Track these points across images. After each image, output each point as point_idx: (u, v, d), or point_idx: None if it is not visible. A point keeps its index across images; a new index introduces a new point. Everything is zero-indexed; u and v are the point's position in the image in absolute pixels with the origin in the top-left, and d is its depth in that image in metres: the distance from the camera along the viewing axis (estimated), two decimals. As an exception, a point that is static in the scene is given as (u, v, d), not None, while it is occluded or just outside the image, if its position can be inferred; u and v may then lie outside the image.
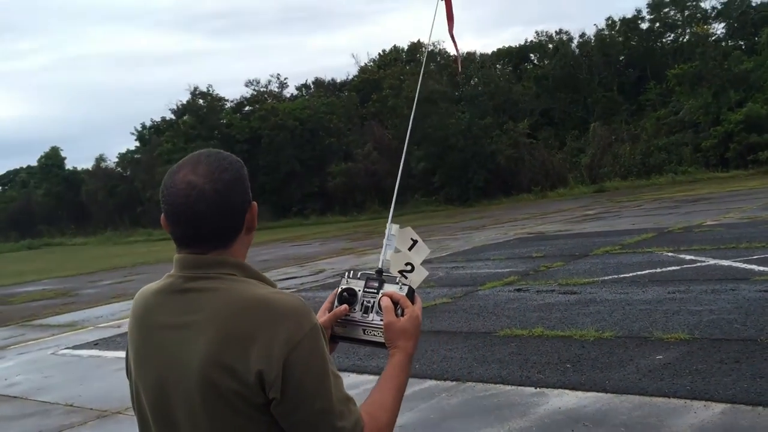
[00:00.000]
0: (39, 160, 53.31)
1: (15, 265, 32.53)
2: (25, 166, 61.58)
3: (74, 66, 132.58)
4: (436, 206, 38.50)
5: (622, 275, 9.65)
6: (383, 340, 1.65)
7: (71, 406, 6.79)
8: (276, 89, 50.09)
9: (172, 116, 47.63)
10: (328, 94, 48.41)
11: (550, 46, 45.58)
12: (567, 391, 5.22)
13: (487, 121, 38.64)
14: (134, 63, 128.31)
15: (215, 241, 1.46)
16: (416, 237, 1.84)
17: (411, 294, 1.68)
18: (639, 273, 9.64)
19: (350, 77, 50.52)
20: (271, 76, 50.54)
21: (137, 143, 50.61)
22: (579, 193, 34.64)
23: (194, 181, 1.43)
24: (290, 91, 51.57)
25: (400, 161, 2.40)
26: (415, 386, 5.88)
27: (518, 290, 9.54)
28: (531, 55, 48.32)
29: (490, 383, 5.64)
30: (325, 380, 1.40)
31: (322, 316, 1.66)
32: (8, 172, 64.82)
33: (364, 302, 1.67)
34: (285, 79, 51.16)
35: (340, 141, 43.19)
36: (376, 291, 1.68)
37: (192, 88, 46.51)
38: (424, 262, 1.84)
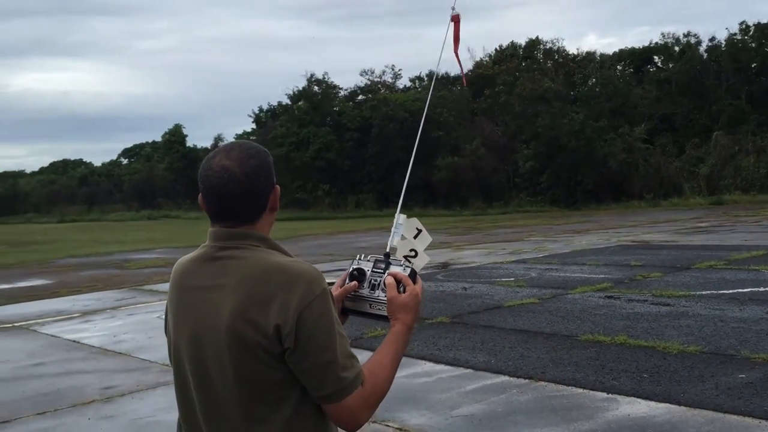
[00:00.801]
0: (163, 136, 56.37)
1: (135, 233, 34.58)
2: (150, 141, 65.48)
3: (201, 48, 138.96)
4: (541, 207, 37.91)
5: (720, 291, 9.31)
6: (386, 314, 1.84)
7: (168, 365, 7.29)
8: (390, 80, 50.67)
9: (288, 101, 49.07)
10: (440, 87, 48.45)
11: (676, 48, 43.72)
12: (639, 399, 5.17)
13: (601, 123, 37.61)
14: (257, 47, 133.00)
15: (243, 217, 1.70)
16: (421, 227, 2.03)
17: (413, 275, 1.88)
18: (739, 290, 9.27)
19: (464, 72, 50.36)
20: (386, 66, 51.27)
21: (254, 125, 52.52)
22: (694, 203, 33.20)
23: (227, 165, 1.67)
24: (404, 82, 52.03)
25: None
26: (487, 380, 5.99)
27: (609, 297, 9.38)
28: (655, 57, 46.51)
29: (562, 384, 5.66)
30: (332, 336, 1.61)
31: (335, 291, 1.88)
32: (135, 146, 69.10)
33: (372, 280, 1.89)
34: (399, 70, 51.79)
35: (449, 135, 43.18)
36: (382, 271, 1.88)
37: (308, 75, 47.74)
38: (427, 250, 2.02)
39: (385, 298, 1.84)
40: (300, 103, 47.13)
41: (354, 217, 40.14)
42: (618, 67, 45.64)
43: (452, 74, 51.60)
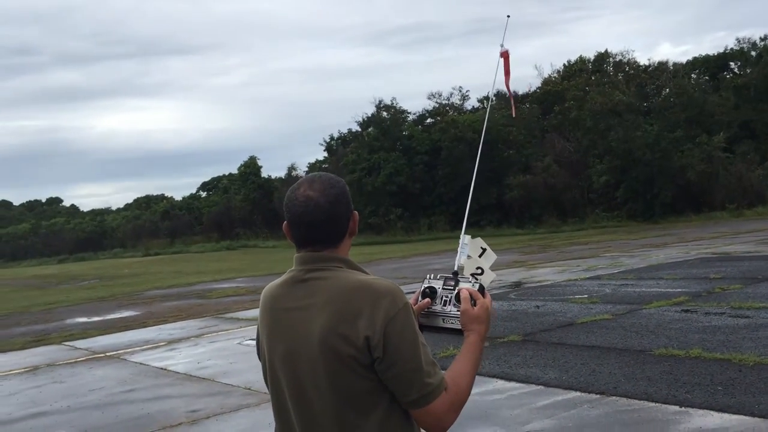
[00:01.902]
0: (239, 168, 58.01)
1: (215, 264, 35.68)
2: (227, 173, 67.47)
3: (273, 81, 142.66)
4: (618, 222, 37.11)
5: (804, 301, 9.02)
6: (459, 327, 2.00)
7: (249, 389, 7.63)
8: (458, 102, 50.81)
9: (358, 128, 49.82)
10: (508, 106, 48.31)
11: (753, 53, 42.32)
12: (712, 412, 5.14)
13: (677, 134, 36.65)
14: (326, 77, 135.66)
15: (327, 241, 1.89)
16: (485, 246, 2.19)
17: (482, 290, 2.04)
18: (824, 300, 8.96)
19: (532, 89, 50.03)
20: (453, 88, 51.30)
21: (325, 153, 53.49)
22: (780, 212, 31.89)
23: (311, 195, 1.86)
24: (472, 103, 52.04)
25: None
26: (558, 396, 6.03)
27: (685, 311, 9.22)
28: (731, 63, 45.13)
29: (634, 399, 5.66)
30: (416, 345, 1.78)
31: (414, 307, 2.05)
32: (213, 179, 71.36)
33: (443, 297, 2.06)
34: (467, 91, 51.76)
35: (519, 153, 42.93)
36: (452, 288, 2.06)
37: (377, 102, 48.34)
38: (493, 267, 2.17)
39: (458, 313, 2.00)
40: (369, 130, 47.79)
41: (427, 239, 40.23)
42: (692, 75, 44.47)
43: (520, 92, 51.44)
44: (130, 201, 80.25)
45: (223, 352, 10.10)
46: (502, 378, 6.81)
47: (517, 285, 14.37)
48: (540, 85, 49.51)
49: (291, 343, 1.85)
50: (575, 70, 48.94)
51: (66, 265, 52.60)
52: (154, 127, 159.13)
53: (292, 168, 54.44)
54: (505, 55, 2.67)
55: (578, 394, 6.00)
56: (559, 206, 40.74)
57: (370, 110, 49.36)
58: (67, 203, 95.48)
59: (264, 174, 57.24)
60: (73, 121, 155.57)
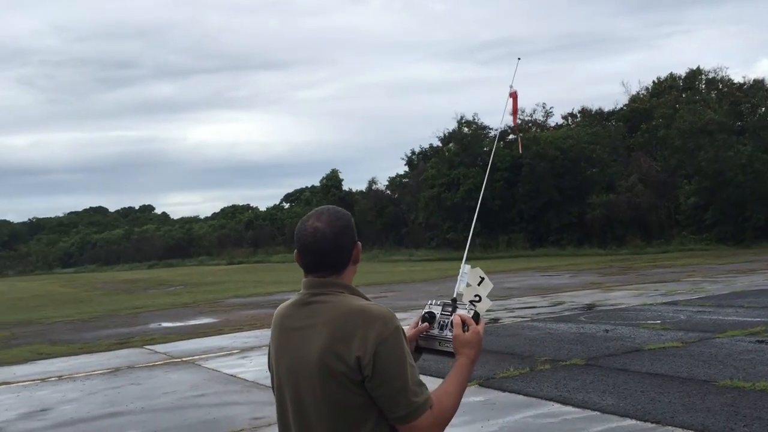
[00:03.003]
0: (321, 181, 59.21)
1: (294, 274, 36.29)
2: (309, 185, 68.92)
3: (358, 95, 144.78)
4: (705, 245, 35.74)
5: None
6: (452, 350, 2.16)
7: (310, 399, 7.85)
8: (541, 118, 50.25)
9: (439, 143, 49.97)
10: (593, 123, 47.43)
11: None
12: (770, 449, 4.99)
13: (773, 155, 35.08)
14: (410, 92, 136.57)
15: (332, 268, 2.07)
16: (483, 275, 2.32)
17: (476, 317, 2.19)
18: None
19: (618, 106, 48.95)
20: (536, 104, 50.74)
21: (406, 168, 53.88)
22: None
23: (319, 226, 2.06)
24: (556, 119, 51.38)
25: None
26: (612, 423, 5.98)
27: (759, 342, 8.91)
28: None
29: (689, 430, 5.56)
30: (403, 366, 1.94)
31: (409, 331, 2.22)
32: (295, 191, 73.03)
33: (441, 322, 2.22)
34: (551, 108, 51.06)
35: (603, 171, 42.01)
36: (449, 314, 2.21)
37: (458, 117, 48.39)
38: (490, 295, 2.29)
39: (452, 337, 2.15)
40: (450, 145, 47.85)
41: (505, 257, 39.87)
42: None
43: (606, 109, 50.46)
44: (218, 210, 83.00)
45: (291, 363, 10.39)
46: (558, 402, 6.79)
47: (590, 307, 14.14)
48: (627, 102, 48.39)
49: (294, 359, 2.04)
50: (665, 87, 47.61)
51: (155, 271, 54.82)
52: (243, 139, 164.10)
53: (372, 182, 55.13)
54: (514, 95, 2.80)
55: (633, 422, 5.93)
56: (643, 227, 39.59)
57: (452, 125, 49.42)
58: (158, 211, 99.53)
59: (345, 187, 58.19)
60: (167, 132, 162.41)
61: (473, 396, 7.43)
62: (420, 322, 2.24)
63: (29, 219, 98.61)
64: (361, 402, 1.95)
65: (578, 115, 51.44)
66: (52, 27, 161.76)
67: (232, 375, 9.79)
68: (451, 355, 2.17)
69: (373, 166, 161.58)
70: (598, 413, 6.31)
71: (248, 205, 79.43)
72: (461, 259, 2.47)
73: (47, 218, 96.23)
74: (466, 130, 48.19)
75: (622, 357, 8.68)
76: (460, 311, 2.20)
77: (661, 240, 38.25)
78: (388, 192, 53.98)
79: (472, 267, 2.37)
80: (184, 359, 11.51)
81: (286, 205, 71.50)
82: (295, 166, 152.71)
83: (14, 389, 10.01)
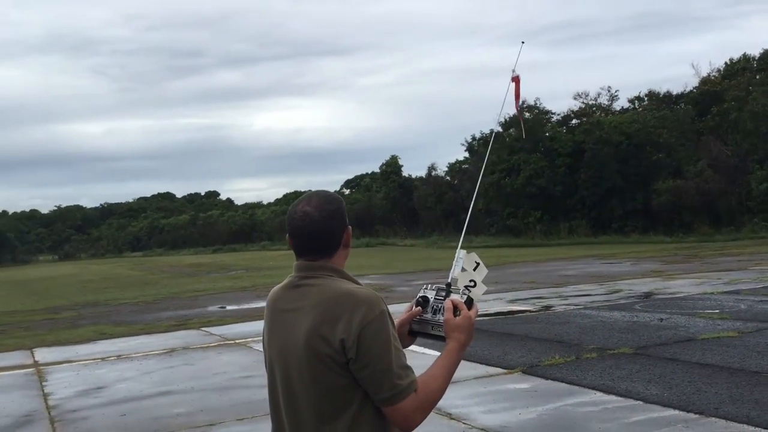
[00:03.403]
0: (381, 167, 59.22)
1: (353, 260, 36.14)
2: (369, 171, 69.17)
3: (422, 80, 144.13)
4: (780, 232, 34.35)
5: None
6: (443, 334, 2.15)
7: (353, 383, 7.93)
8: (605, 102, 49.05)
9: (500, 129, 49.33)
10: (661, 107, 46.03)
11: None
12: (817, 443, 4.79)
13: None
14: (474, 76, 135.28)
15: (321, 252, 2.10)
16: (479, 261, 2.28)
17: (469, 302, 2.18)
18: None
19: (688, 89, 47.36)
20: (601, 88, 49.56)
21: (466, 154, 53.44)
22: None
23: (308, 210, 2.08)
24: (621, 103, 50.04)
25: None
26: (654, 413, 5.85)
27: (821, 333, 8.53)
28: None
29: (734, 422, 5.38)
30: (388, 349, 1.95)
31: (404, 315, 2.24)
32: (356, 177, 73.43)
33: (434, 306, 2.21)
34: (616, 91, 49.79)
35: (670, 156, 40.77)
36: (443, 299, 2.20)
37: (520, 102, 47.78)
38: (485, 280, 2.24)
39: (443, 321, 2.15)
40: (511, 130, 47.21)
41: (566, 244, 39.20)
42: None
43: (674, 92, 48.90)
44: (280, 196, 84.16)
45: (339, 346, 10.50)
46: (601, 390, 6.67)
47: (647, 296, 13.79)
48: (697, 85, 46.78)
49: (284, 340, 2.07)
50: (737, 69, 45.80)
51: (219, 255, 56.10)
52: (307, 125, 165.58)
53: (432, 168, 54.87)
54: (516, 80, 2.76)
55: (676, 412, 5.78)
56: (712, 214, 38.30)
57: (513, 110, 48.72)
58: (223, 197, 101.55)
59: (405, 173, 58.12)
60: (233, 119, 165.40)
61: (514, 383, 7.37)
62: (414, 306, 2.24)
63: (101, 204, 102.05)
64: (346, 384, 1.97)
65: (645, 99, 50.00)
66: (123, 17, 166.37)
67: (280, 357, 9.96)
68: (442, 339, 2.16)
69: (434, 152, 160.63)
70: (641, 403, 6.17)
71: (310, 190, 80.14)
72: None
73: (118, 203, 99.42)
74: (527, 115, 47.45)
75: (673, 346, 8.45)
76: (453, 296, 2.19)
77: (731, 227, 36.93)
78: (448, 178, 53.69)
79: (468, 252, 2.34)
80: (237, 341, 11.76)
81: (347, 191, 72.02)
82: (358, 152, 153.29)
83: (75, 368, 10.43)
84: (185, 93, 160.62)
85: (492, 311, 13.17)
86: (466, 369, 8.25)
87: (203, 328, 13.70)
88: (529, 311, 12.92)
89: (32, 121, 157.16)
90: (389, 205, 56.07)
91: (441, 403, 6.44)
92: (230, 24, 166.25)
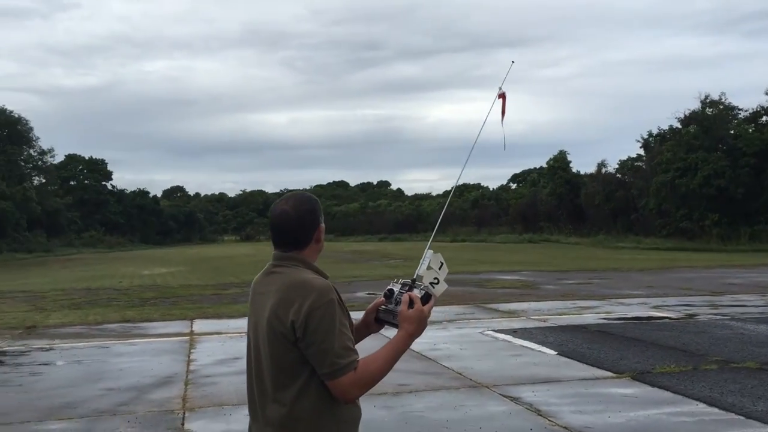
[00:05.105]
0: (548, 162, 58.06)
1: (511, 255, 36.47)
2: (537, 166, 67.99)
3: (603, 73, 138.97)
4: None
5: None
6: (398, 323, 2.44)
7: (460, 374, 8.17)
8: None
9: (678, 125, 46.62)
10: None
11: None
12: None
13: None
14: (662, 68, 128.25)
15: (294, 245, 2.45)
16: (443, 261, 2.55)
17: (426, 297, 2.45)
18: None
19: None
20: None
21: (640, 150, 51.03)
22: None
23: (285, 209, 2.45)
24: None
25: None
26: (749, 428, 5.59)
27: None
28: None
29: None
30: (331, 332, 2.26)
31: (373, 304, 2.57)
32: (523, 171, 72.43)
33: (397, 298, 2.49)
34: (814, 88, 45.22)
35: None
36: (405, 292, 2.46)
37: (702, 97, 44.81)
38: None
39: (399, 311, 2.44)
40: (690, 127, 44.44)
41: (747, 251, 36.37)
42: None
43: None
44: (449, 188, 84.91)
45: (461, 338, 10.74)
46: (705, 402, 6.42)
47: (809, 310, 12.70)
48: None
49: (256, 318, 2.45)
50: None
51: (383, 244, 57.82)
52: (479, 118, 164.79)
53: (602, 164, 52.96)
54: (503, 96, 2.97)
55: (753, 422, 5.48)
56: None
57: (694, 105, 45.80)
58: (394, 187, 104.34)
59: (574, 169, 56.56)
60: (408, 110, 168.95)
61: (618, 387, 7.26)
62: (381, 297, 2.54)
63: (281, 190, 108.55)
64: (295, 358, 2.30)
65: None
66: (310, 11, 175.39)
67: (402, 344, 10.35)
68: (397, 326, 2.43)
69: (606, 147, 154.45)
70: (742, 418, 5.89)
71: (479, 184, 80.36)
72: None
73: (296, 190, 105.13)
74: (709, 111, 44.45)
75: (807, 365, 7.85)
76: (414, 291, 2.45)
77: None
78: (618, 175, 51.54)
79: (434, 252, 2.57)
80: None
81: (513, 186, 71.27)
82: (529, 146, 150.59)
83: (222, 339, 11.49)
84: (364, 85, 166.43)
85: (629, 316, 12.77)
86: (572, 369, 8.21)
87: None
88: (669, 318, 12.37)
89: (226, 111, 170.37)
90: (555, 201, 54.87)
91: (533, 400, 6.59)
92: (409, 17, 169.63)
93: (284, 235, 2.43)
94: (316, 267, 2.44)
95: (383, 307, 2.52)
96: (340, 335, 2.26)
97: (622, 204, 48.49)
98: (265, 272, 2.49)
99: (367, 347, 2.51)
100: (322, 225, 2.49)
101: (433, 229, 3.05)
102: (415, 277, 2.53)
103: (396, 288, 2.51)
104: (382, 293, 2.53)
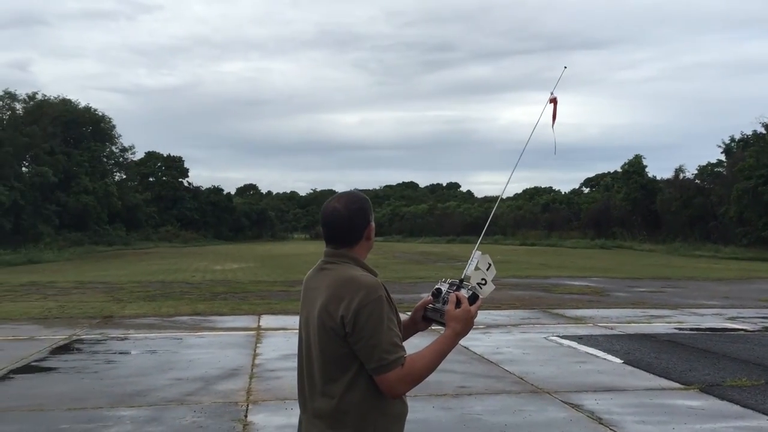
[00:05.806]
0: (622, 167, 56.64)
1: (581, 261, 35.78)
2: (611, 170, 66.43)
3: (683, 76, 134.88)
4: None
5: None
6: (445, 321, 2.49)
7: (521, 378, 8.11)
8: None
9: (762, 130, 44.80)
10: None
11: None
12: None
13: None
14: (745, 71, 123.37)
15: (345, 242, 2.51)
16: (491, 262, 2.56)
17: (473, 298, 2.49)
18: None
19: None
20: None
21: (721, 156, 49.27)
22: None
23: (337, 207, 2.51)
24: None
25: None
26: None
27: None
28: None
29: None
30: (380, 329, 2.32)
31: (419, 303, 2.62)
32: (597, 175, 70.85)
33: (445, 297, 2.53)
34: None
35: None
36: (452, 292, 2.51)
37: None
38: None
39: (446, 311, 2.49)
40: (774, 133, 42.63)
41: None
42: None
43: None
44: (520, 191, 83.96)
45: (525, 343, 10.64)
46: (772, 418, 6.19)
47: None
48: None
49: (307, 313, 2.53)
50: None
51: (451, 246, 57.65)
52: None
53: (680, 170, 51.34)
54: (554, 101, 2.98)
55: None
56: None
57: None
58: (464, 188, 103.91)
59: (650, 174, 55.04)
60: (480, 112, 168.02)
61: (685, 399, 7.07)
62: (429, 296, 2.58)
63: (350, 189, 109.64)
64: (345, 352, 2.37)
65: None
66: (384, 13, 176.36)
67: (464, 347, 10.29)
68: (444, 326, 2.48)
69: (683, 153, 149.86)
70: (814, 437, 5.65)
71: (550, 187, 79.12)
72: None
73: (365, 190, 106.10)
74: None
75: None
76: (462, 291, 2.50)
77: None
78: (697, 181, 49.87)
79: (483, 254, 2.60)
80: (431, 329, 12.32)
81: (586, 190, 69.85)
82: (603, 149, 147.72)
83: (287, 335, 11.70)
84: (436, 86, 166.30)
85: (703, 326, 12.38)
86: (638, 379, 8.03)
87: (407, 313, 14.46)
88: (745, 330, 11.94)
89: (299, 111, 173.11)
90: (629, 206, 53.52)
91: (595, 408, 6.49)
92: (483, 18, 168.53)
93: (335, 233, 2.49)
94: (365, 264, 2.50)
95: (431, 305, 2.56)
96: (388, 331, 2.32)
97: (701, 211, 46.92)
98: (317, 268, 2.56)
99: (415, 344, 2.55)
100: (372, 223, 2.55)
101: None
102: (462, 277, 2.57)
103: (444, 287, 2.55)
104: (430, 292, 2.58)
